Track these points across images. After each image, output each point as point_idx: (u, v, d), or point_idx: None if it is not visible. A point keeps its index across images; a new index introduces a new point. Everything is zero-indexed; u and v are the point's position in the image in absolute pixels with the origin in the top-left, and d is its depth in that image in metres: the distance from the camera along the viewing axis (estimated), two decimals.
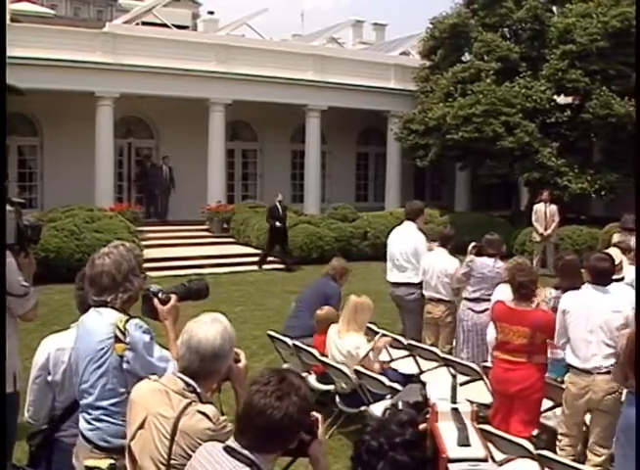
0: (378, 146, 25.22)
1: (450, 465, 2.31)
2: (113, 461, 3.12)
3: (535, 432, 5.90)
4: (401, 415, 2.32)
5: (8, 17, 16.07)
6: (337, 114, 22.27)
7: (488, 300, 7.31)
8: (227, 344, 2.89)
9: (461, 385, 6.27)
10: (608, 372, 5.28)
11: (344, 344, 6.53)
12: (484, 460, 2.41)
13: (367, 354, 6.44)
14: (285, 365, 7.27)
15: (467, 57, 22.01)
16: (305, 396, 2.44)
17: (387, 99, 23.34)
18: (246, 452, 2.37)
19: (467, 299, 7.69)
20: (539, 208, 16.18)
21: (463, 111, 19.01)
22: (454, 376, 2.85)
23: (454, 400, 2.74)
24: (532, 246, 16.58)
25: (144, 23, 23.24)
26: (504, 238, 16.96)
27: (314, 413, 2.60)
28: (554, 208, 16.06)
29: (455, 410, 2.61)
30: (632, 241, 7.67)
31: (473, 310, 7.57)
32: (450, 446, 2.31)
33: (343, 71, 22.58)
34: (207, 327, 2.86)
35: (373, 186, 26.65)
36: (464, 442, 2.37)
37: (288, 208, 18.09)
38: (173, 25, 23.96)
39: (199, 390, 2.81)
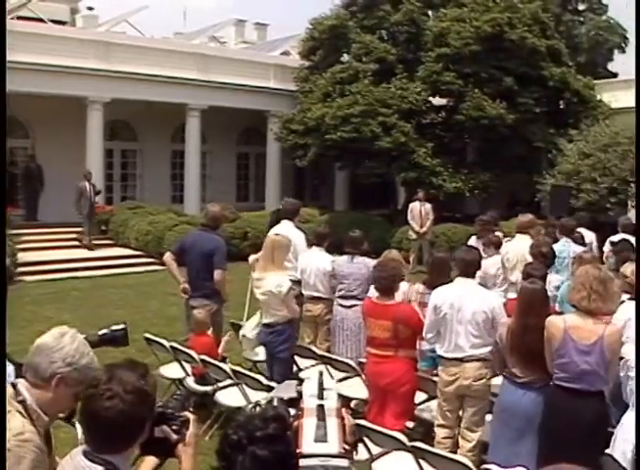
0: (258, 146, 25.21)
1: (302, 460, 2.35)
2: None
3: (412, 424, 6.10)
4: (267, 410, 2.35)
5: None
6: (217, 113, 22.12)
7: (355, 296, 7.54)
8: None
9: (339, 381, 6.43)
10: (477, 360, 5.55)
11: (266, 283, 6.55)
12: (337, 457, 2.47)
13: (289, 291, 6.50)
14: (162, 368, 7.19)
15: (346, 58, 22.24)
16: (138, 388, 2.40)
17: (267, 99, 23.37)
18: (98, 454, 2.38)
19: (337, 296, 7.88)
20: (415, 206, 16.61)
21: (341, 111, 19.20)
22: (321, 374, 2.91)
23: (321, 397, 2.79)
24: (409, 243, 16.97)
25: (19, 18, 22.31)
26: (382, 236, 17.65)
27: (186, 414, 2.60)
28: (429, 206, 16.55)
29: (320, 407, 2.66)
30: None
31: (342, 306, 7.77)
32: (307, 441, 2.36)
33: (225, 71, 22.43)
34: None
35: (254, 186, 26.60)
36: (321, 438, 2.42)
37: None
38: (51, 21, 23.12)
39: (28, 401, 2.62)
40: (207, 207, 8.39)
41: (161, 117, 22.03)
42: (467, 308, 5.59)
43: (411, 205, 16.88)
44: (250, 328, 7.02)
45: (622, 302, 5.75)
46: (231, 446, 2.17)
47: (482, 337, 5.57)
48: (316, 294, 8.08)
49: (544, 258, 7.04)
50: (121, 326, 3.62)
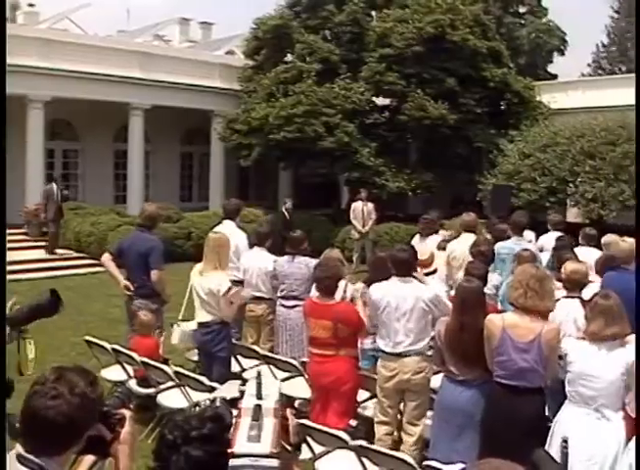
0: (202, 146, 25.04)
1: (232, 460, 2.36)
2: None
3: (355, 423, 6.14)
4: (206, 410, 2.35)
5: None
6: (161, 113, 21.89)
7: (296, 296, 7.59)
8: None
9: (283, 381, 6.44)
10: (415, 354, 5.65)
11: (208, 282, 6.52)
12: (268, 457, 2.48)
13: (228, 291, 6.46)
14: (103, 371, 7.11)
15: (290, 58, 22.26)
16: (85, 394, 2.34)
17: (211, 98, 23.23)
18: (31, 457, 2.29)
19: (279, 296, 7.89)
20: (357, 206, 16.69)
21: (285, 111, 19.19)
22: (259, 374, 2.93)
23: (259, 397, 2.80)
24: (352, 243, 17.05)
25: None
26: (325, 235, 17.73)
27: (122, 411, 2.55)
28: (371, 206, 16.61)
29: (258, 407, 2.67)
30: None
31: (284, 306, 7.78)
32: (240, 441, 2.38)
33: (168, 70, 22.20)
34: None
35: (197, 186, 26.43)
36: (253, 438, 2.44)
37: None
38: None
39: None
40: (144, 206, 8.33)
41: (104, 117, 21.70)
42: (403, 305, 5.66)
43: (353, 204, 16.96)
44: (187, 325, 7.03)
45: (558, 300, 5.89)
46: (166, 445, 2.17)
47: (421, 331, 5.66)
48: (258, 294, 8.05)
49: (484, 257, 7.16)
50: (49, 291, 3.50)
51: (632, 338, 4.70)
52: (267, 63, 21.97)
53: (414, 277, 5.95)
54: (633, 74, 26.02)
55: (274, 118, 19.34)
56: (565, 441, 3.42)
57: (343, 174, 20.57)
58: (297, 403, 6.51)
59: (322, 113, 19.32)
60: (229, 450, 2.35)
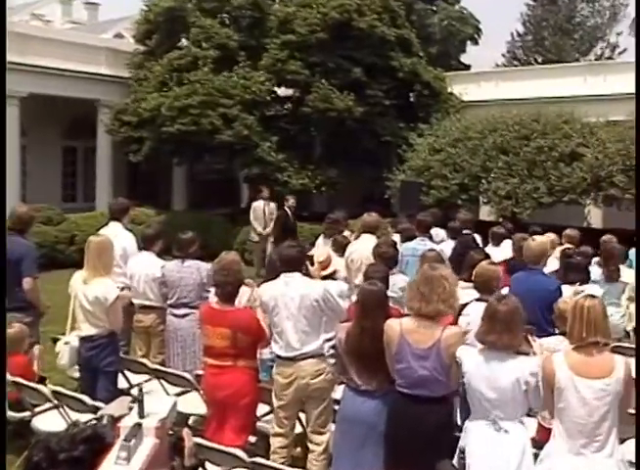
0: (87, 139, 24.49)
1: None
2: None
3: (254, 439, 6.15)
4: (83, 430, 2.31)
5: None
6: (39, 102, 21.30)
7: (187, 304, 7.55)
8: None
9: (177, 395, 6.39)
10: (311, 356, 5.68)
11: (92, 291, 6.40)
12: None
13: (115, 300, 6.37)
14: None
15: (184, 43, 22.00)
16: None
17: (97, 86, 22.68)
18: None
19: (169, 304, 7.83)
20: (258, 206, 16.35)
21: (179, 101, 19.01)
22: (141, 389, 2.90)
23: (141, 415, 2.78)
24: (252, 245, 16.86)
25: None
26: (224, 237, 17.66)
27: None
28: (273, 205, 16.33)
29: (137, 425, 2.65)
30: None
31: (174, 316, 7.73)
32: (108, 464, 2.36)
33: (48, 53, 21.51)
34: None
35: (82, 184, 25.85)
36: (121, 461, 2.41)
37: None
38: None
39: None
40: (14, 208, 8.12)
41: None
42: (293, 303, 5.69)
43: (254, 204, 16.64)
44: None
45: (467, 303, 6.05)
46: (31, 469, 2.14)
47: (314, 330, 5.68)
48: (147, 302, 7.98)
49: (386, 259, 7.30)
50: None
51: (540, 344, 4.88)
52: (159, 48, 21.65)
53: (307, 274, 6.02)
54: (550, 66, 27.10)
55: (167, 109, 19.10)
56: (462, 452, 3.53)
57: (243, 171, 20.51)
58: (191, 420, 6.47)
59: (219, 103, 19.20)
60: None
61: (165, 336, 7.85)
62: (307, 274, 6.35)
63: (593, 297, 4.64)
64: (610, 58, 40.12)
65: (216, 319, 5.87)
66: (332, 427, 5.81)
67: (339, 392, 5.83)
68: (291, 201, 16.29)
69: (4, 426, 2.15)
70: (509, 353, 4.63)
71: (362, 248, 8.58)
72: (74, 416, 6.06)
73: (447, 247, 10.14)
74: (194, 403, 6.45)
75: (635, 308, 5.28)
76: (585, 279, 7.84)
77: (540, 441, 4.86)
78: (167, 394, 6.57)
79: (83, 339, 6.58)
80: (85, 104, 22.97)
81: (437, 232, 10.81)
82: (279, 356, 5.85)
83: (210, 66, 19.96)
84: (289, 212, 16.20)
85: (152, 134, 20.02)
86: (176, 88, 19.53)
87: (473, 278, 6.31)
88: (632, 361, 6.30)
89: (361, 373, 5.20)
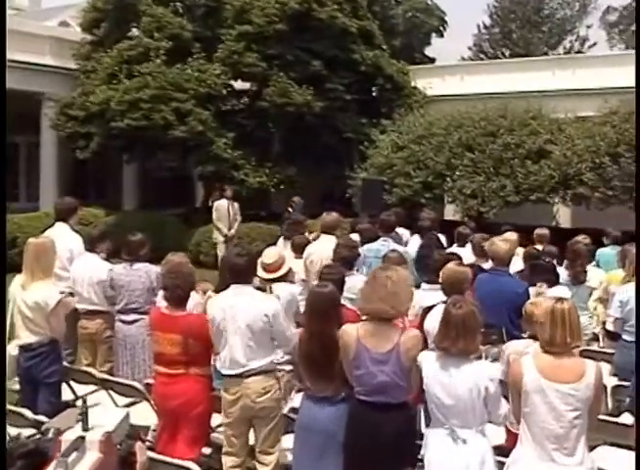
0: (30, 135, 24.16)
1: None
2: None
3: (208, 450, 6.12)
4: (25, 444, 2.29)
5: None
6: None
7: (136, 309, 7.49)
8: None
9: (126, 406, 6.33)
10: (258, 373, 5.62)
11: (32, 295, 6.31)
12: None
13: (57, 306, 6.30)
14: None
15: (135, 33, 21.85)
16: None
17: (41, 78, 22.39)
18: None
19: (117, 310, 7.76)
20: (222, 205, 15.91)
21: (129, 95, 18.83)
22: (85, 401, 2.88)
23: (85, 428, 2.76)
24: (213, 247, 16.59)
25: None
26: (179, 238, 17.56)
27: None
28: (236, 205, 16.03)
29: (80, 439, 2.64)
30: None
31: (122, 322, 7.66)
32: None
33: None
34: None
35: (25, 183, 25.55)
36: None
37: None
38: None
39: None
40: None
41: None
42: (241, 317, 5.60)
43: (217, 203, 16.15)
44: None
45: (432, 306, 6.08)
46: None
47: (263, 347, 5.61)
48: (92, 307, 7.90)
49: (345, 261, 7.31)
50: None
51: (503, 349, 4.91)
52: (108, 38, 21.45)
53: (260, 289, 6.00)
54: (517, 59, 27.41)
55: (116, 103, 18.91)
56: (420, 460, 3.56)
57: (197, 168, 20.41)
58: (150, 436, 6.41)
59: (172, 97, 19.08)
60: None
61: (113, 343, 7.79)
62: (261, 288, 6.36)
63: (564, 299, 4.66)
64: (579, 51, 40.74)
65: (166, 325, 5.83)
66: (282, 444, 5.78)
67: (297, 400, 5.83)
68: (297, 201, 15.33)
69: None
70: (466, 359, 4.66)
71: (321, 249, 8.60)
72: (13, 432, 5.98)
73: (413, 248, 10.21)
74: (144, 414, 6.35)
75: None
76: (553, 280, 7.93)
77: (509, 447, 4.88)
78: (116, 405, 6.52)
79: (22, 348, 6.45)
80: (28, 97, 22.61)
81: (401, 232, 10.84)
82: (224, 373, 5.75)
83: (163, 57, 19.76)
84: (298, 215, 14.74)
85: (100, 130, 19.82)
86: (126, 81, 19.32)
87: (440, 280, 6.33)
88: (604, 366, 6.43)
89: (316, 380, 5.19)
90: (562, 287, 7.98)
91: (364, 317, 5.07)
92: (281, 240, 11.07)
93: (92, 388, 7.02)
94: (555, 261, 9.15)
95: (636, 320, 4.67)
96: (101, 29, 21.93)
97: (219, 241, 15.91)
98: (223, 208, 15.87)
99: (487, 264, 8.22)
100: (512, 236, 9.51)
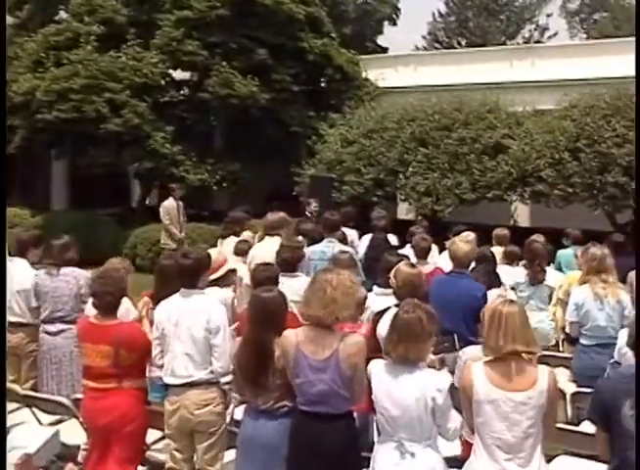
0: None
1: None
2: None
3: None
4: None
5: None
6: None
7: (62, 318, 7.40)
8: None
9: (52, 424, 6.24)
10: (199, 384, 5.61)
11: None
12: None
13: None
14: None
15: (63, 16, 21.68)
16: None
17: None
18: None
19: (41, 320, 7.66)
20: (171, 205, 15.41)
21: (57, 84, 18.55)
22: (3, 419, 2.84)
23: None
24: (154, 252, 16.38)
25: None
26: (113, 240, 17.41)
27: None
28: (181, 204, 15.72)
29: None
30: None
31: (48, 333, 7.58)
32: None
33: None
34: None
35: None
36: None
37: None
38: None
39: None
40: None
41: None
42: (184, 323, 5.61)
43: (166, 203, 15.57)
44: None
45: (385, 310, 6.09)
46: None
47: (206, 356, 5.61)
48: (14, 319, 7.75)
49: (284, 262, 7.33)
50: None
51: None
52: (33, 21, 21.28)
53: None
54: (473, 49, 27.65)
55: (43, 94, 18.65)
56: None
57: (133, 165, 20.23)
58: (70, 453, 6.33)
59: (105, 88, 18.88)
60: None
61: (38, 357, 7.69)
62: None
63: (512, 302, 4.67)
64: (538, 41, 41.23)
65: (95, 335, 5.77)
66: (225, 460, 5.77)
67: (239, 412, 5.80)
68: (313, 205, 13.52)
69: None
70: (414, 368, 4.66)
71: (266, 250, 8.55)
72: None
73: (364, 249, 10.24)
74: (73, 432, 6.27)
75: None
76: (492, 283, 7.99)
77: (465, 458, 4.89)
78: (40, 423, 6.42)
79: None
80: None
81: (348, 232, 10.76)
82: (167, 382, 5.75)
83: (94, 44, 19.54)
84: (312, 219, 12.62)
85: (25, 122, 19.56)
86: (54, 69, 19.05)
87: (393, 283, 6.33)
88: (560, 371, 6.51)
89: (255, 391, 5.16)
90: (499, 290, 8.02)
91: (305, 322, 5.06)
92: (220, 241, 11.00)
93: (14, 406, 6.88)
94: (517, 263, 9.27)
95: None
96: (24, 12, 21.75)
97: (170, 247, 14.89)
98: (174, 209, 15.36)
99: (429, 267, 8.36)
100: (469, 236, 9.51)
